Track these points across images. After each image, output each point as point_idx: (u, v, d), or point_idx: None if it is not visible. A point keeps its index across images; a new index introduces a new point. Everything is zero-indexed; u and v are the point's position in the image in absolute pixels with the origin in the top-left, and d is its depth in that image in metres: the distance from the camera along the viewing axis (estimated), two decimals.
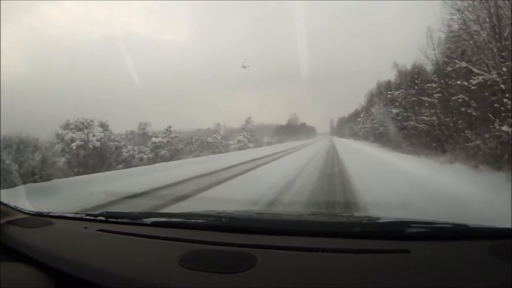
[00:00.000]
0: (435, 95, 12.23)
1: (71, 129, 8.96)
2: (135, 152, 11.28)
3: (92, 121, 9.64)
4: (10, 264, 1.22)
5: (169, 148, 12.51)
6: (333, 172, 8.21)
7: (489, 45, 9.62)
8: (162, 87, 17.61)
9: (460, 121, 10.96)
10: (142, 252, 1.26)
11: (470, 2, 10.17)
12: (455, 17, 10.58)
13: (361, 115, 22.56)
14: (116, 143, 10.32)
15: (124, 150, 10.53)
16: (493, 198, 4.19)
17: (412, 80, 15.25)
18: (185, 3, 22.59)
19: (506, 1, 9.18)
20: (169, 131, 13.83)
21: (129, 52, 19.34)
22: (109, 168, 8.98)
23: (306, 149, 19.28)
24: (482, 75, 9.45)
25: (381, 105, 18.61)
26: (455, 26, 11.38)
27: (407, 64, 15.77)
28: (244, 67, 18.19)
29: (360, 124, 22.46)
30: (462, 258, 1.10)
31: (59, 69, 15.83)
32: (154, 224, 1.55)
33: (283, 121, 24.19)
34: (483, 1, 9.70)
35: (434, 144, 12.57)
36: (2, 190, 4.54)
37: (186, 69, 20.24)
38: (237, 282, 0.99)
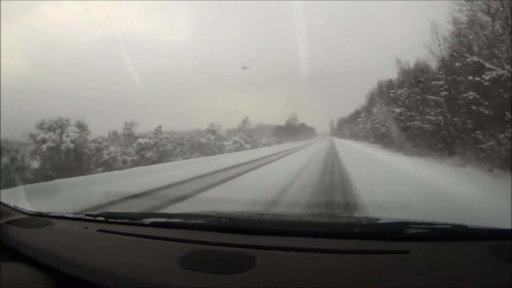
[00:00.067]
0: (442, 93, 11.44)
1: (44, 129, 8.17)
2: (118, 154, 10.46)
3: (67, 120, 8.84)
4: (10, 264, 1.21)
5: (156, 149, 11.70)
6: (333, 181, 7.17)
7: (502, 37, 8.85)
8: (162, 87, 17.68)
9: (469, 121, 10.18)
10: (142, 253, 1.25)
11: None
12: (464, 8, 9.77)
13: (362, 115, 22.46)
14: (97, 144, 9.57)
15: (105, 152, 9.72)
16: None
17: (416, 78, 14.56)
18: (185, 3, 22.14)
19: None
20: (159, 131, 13.08)
21: (129, 52, 19.10)
22: (87, 171, 8.22)
23: (304, 150, 18.68)
24: (494, 70, 8.67)
25: (383, 104, 18.06)
26: (464, 19, 10.60)
27: (410, 62, 15.32)
28: (244, 68, 18.14)
29: (361, 125, 22.19)
30: (462, 259, 1.10)
31: (59, 69, 15.85)
32: (154, 225, 1.55)
33: (282, 122, 23.96)
34: None
35: (440, 146, 11.82)
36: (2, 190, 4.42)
37: (186, 69, 20.08)
38: (236, 282, 0.99)
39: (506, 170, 7.30)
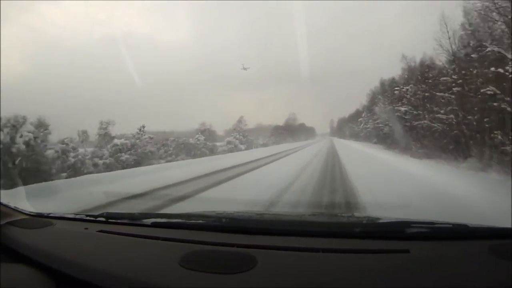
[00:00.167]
0: (453, 89, 10.28)
1: None
2: (87, 157, 9.25)
3: (24, 118, 7.69)
4: (11, 265, 1.21)
5: (134, 151, 10.47)
6: (335, 188, 6.03)
7: None
8: (162, 87, 17.62)
9: (486, 119, 9.04)
10: (142, 253, 1.25)
11: None
12: None
13: (363, 115, 22.28)
14: (64, 145, 8.40)
15: (72, 154, 8.52)
16: None
17: (423, 74, 13.49)
18: (185, 3, 21.84)
19: None
20: (143, 131, 11.90)
21: (129, 52, 18.91)
22: (49, 177, 7.06)
23: (303, 151, 17.81)
24: None
25: (386, 103, 17.34)
26: (478, 5, 9.46)
27: (415, 57, 14.59)
28: (244, 68, 17.99)
29: (362, 125, 22.00)
30: (462, 258, 1.10)
31: (59, 69, 15.79)
32: (154, 225, 1.55)
33: (281, 122, 23.56)
34: None
35: (451, 147, 10.70)
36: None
37: (185, 69, 20.10)
38: (237, 282, 0.99)
39: None
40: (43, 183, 6.20)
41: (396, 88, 15.50)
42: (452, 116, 10.64)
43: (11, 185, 6.36)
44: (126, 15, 25.53)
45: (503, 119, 8.35)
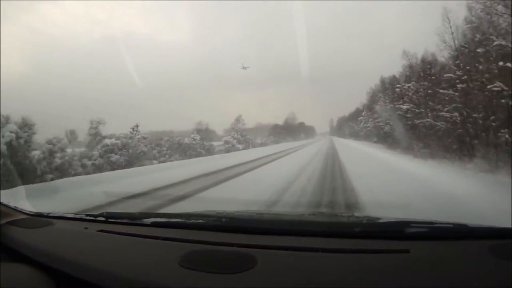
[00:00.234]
0: (457, 85, 9.89)
1: None
2: (75, 158, 8.87)
3: (7, 117, 7.29)
4: (11, 264, 1.21)
5: (125, 151, 10.08)
6: (335, 188, 5.66)
7: None
8: (162, 87, 17.62)
9: (492, 117, 8.66)
10: (142, 253, 1.25)
11: None
12: None
13: (363, 114, 21.96)
14: (51, 146, 8.02)
15: (59, 155, 8.14)
16: None
17: (425, 71, 13.10)
18: (185, 3, 21.86)
19: None
20: (136, 130, 11.52)
21: (129, 52, 19.05)
22: (33, 179, 6.70)
23: (302, 151, 17.48)
24: None
25: (387, 101, 16.93)
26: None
27: (417, 54, 14.13)
28: (244, 68, 18.08)
29: (362, 124, 21.70)
30: (462, 258, 1.10)
31: (59, 69, 15.84)
32: (154, 225, 1.55)
33: (281, 121, 23.44)
34: None
35: (455, 147, 10.31)
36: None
37: (185, 69, 20.03)
38: (237, 282, 0.99)
39: None
40: (26, 186, 5.88)
41: (397, 86, 15.10)
42: (456, 114, 10.24)
43: None
44: (126, 15, 25.76)
45: (511, 117, 7.99)
